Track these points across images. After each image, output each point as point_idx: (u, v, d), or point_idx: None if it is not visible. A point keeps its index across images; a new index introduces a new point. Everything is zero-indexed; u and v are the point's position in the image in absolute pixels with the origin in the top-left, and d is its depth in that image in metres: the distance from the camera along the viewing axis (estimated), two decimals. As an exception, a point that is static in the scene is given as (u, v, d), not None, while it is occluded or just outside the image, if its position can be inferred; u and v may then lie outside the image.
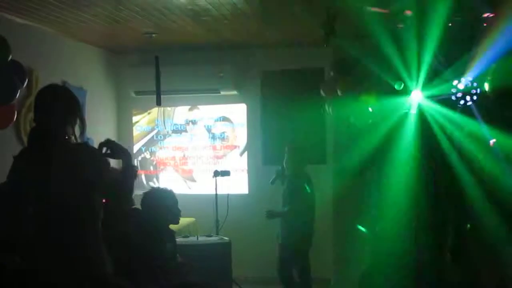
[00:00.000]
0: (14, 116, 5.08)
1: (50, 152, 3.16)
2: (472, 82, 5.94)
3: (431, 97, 5.95)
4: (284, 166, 6.32)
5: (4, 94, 4.81)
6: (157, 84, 6.90)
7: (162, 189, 4.67)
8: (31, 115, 6.03)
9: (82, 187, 3.18)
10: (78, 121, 3.35)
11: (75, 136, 3.32)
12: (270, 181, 6.43)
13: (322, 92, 6.78)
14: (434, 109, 5.70)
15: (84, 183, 3.19)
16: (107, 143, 3.38)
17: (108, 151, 3.37)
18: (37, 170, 3.15)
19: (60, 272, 3.10)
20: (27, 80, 5.12)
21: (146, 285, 4.05)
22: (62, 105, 3.30)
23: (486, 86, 5.04)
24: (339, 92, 6.67)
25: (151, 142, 8.27)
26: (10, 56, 4.85)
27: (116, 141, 6.97)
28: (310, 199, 6.21)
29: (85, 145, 3.33)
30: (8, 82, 4.81)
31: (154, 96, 7.02)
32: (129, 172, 3.57)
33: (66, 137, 3.28)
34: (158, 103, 6.92)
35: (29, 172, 3.17)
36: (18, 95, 4.97)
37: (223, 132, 8.09)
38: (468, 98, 5.97)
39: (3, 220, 3.28)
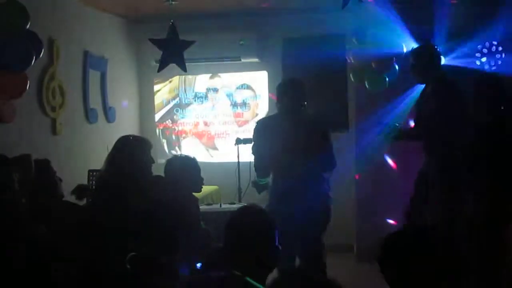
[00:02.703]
0: (26, 85, 5.08)
1: (300, 120, 4.94)
2: (497, 46, 5.85)
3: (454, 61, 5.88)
4: None
5: (19, 62, 4.81)
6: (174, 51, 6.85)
7: (185, 156, 4.65)
8: (53, 84, 6.09)
9: (322, 142, 4.95)
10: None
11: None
12: None
13: (348, 59, 6.76)
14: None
15: (318, 139, 4.91)
16: None
17: None
18: (290, 131, 4.85)
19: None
20: (43, 50, 5.09)
21: (172, 252, 4.07)
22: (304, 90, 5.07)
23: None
24: (351, 60, 6.66)
25: (172, 111, 8.28)
26: (28, 25, 4.83)
27: (138, 110, 7.07)
28: None
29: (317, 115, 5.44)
30: (24, 50, 4.80)
31: (175, 65, 7.01)
32: None
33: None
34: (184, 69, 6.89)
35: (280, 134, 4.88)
36: (32, 64, 4.93)
37: (245, 100, 8.07)
38: (492, 62, 5.89)
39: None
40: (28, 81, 5.06)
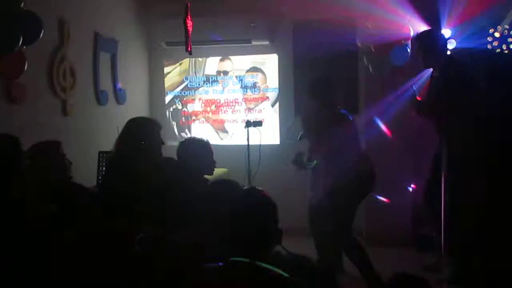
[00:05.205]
0: (24, 65, 5.05)
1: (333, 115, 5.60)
2: (509, 29, 5.81)
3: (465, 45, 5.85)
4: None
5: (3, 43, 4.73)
6: (185, 32, 6.84)
7: (198, 139, 4.65)
8: (63, 66, 6.10)
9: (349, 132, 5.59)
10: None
11: None
12: (298, 138, 6.39)
13: (358, 44, 6.74)
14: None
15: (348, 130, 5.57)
16: None
17: None
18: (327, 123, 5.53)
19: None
20: (42, 32, 5.02)
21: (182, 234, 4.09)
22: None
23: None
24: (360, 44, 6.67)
25: (182, 93, 8.28)
26: (22, 4, 4.76)
27: (148, 92, 7.05)
28: None
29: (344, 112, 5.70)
30: (10, 31, 4.72)
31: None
32: None
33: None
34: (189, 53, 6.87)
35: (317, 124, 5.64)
36: (18, 45, 4.84)
37: (255, 83, 8.06)
38: (504, 46, 5.85)
39: None
40: (26, 61, 5.03)
